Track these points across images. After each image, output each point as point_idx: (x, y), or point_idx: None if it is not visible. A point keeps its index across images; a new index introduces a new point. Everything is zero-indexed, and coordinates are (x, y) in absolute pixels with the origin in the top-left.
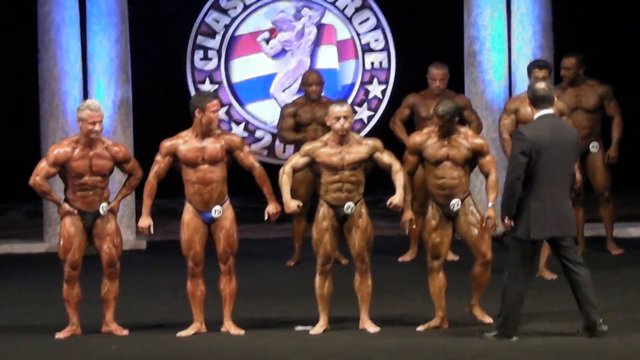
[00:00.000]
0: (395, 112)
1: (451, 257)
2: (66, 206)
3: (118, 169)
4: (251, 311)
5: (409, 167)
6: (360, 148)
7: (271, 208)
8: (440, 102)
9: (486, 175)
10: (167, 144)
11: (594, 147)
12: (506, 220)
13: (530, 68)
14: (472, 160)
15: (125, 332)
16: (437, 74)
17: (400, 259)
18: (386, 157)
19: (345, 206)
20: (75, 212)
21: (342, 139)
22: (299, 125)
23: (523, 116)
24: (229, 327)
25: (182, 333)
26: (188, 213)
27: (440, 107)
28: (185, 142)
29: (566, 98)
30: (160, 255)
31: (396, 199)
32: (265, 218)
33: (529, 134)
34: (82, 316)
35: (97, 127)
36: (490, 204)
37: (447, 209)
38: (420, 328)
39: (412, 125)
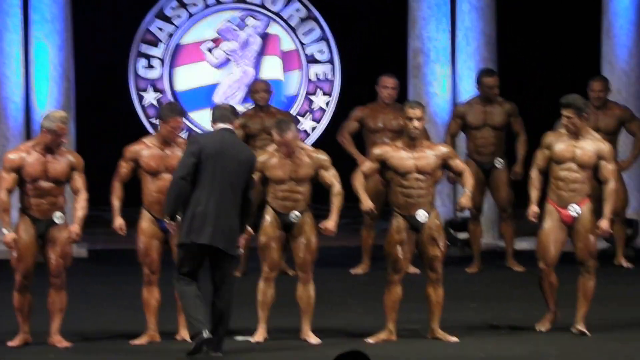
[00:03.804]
0: (342, 126)
1: (413, 270)
2: (9, 236)
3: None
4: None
5: (367, 168)
6: (308, 161)
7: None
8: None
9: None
10: (130, 149)
11: (498, 163)
12: (167, 220)
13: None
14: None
15: (66, 344)
16: (388, 81)
17: (352, 271)
18: (328, 176)
19: (291, 215)
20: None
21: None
22: (248, 136)
23: (554, 153)
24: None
25: (135, 341)
26: (145, 220)
27: None
28: (147, 149)
29: (474, 114)
30: (101, 263)
31: (330, 224)
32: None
33: (202, 140)
34: (33, 325)
35: (65, 140)
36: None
37: (414, 220)
38: (370, 340)
39: (360, 138)
